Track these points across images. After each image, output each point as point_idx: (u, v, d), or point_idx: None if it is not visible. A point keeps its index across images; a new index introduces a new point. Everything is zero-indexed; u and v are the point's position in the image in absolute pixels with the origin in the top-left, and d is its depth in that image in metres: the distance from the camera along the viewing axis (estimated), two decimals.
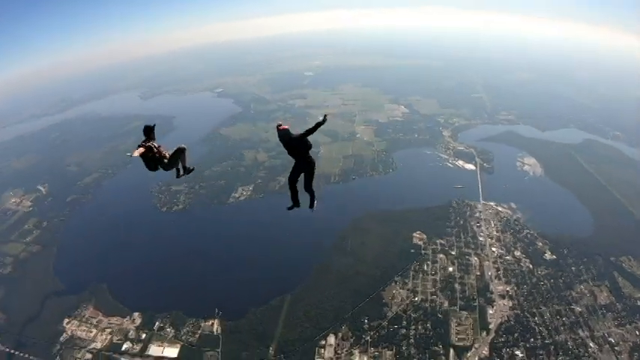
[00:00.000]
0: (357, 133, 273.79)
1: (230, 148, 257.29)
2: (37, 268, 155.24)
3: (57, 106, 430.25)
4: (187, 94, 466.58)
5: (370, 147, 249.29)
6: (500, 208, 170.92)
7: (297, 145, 22.04)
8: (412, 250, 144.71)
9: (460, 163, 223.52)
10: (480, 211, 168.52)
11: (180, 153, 23.69)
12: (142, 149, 20.45)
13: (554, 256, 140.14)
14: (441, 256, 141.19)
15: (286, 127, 21.78)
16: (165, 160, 22.59)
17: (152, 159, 21.84)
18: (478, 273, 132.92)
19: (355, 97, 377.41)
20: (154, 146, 21.49)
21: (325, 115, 21.11)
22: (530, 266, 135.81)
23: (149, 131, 21.44)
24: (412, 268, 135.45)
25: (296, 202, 25.33)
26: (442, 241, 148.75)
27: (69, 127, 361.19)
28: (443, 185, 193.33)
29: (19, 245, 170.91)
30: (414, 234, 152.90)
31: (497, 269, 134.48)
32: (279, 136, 21.71)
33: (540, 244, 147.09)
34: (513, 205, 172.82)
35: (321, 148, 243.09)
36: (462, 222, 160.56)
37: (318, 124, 20.91)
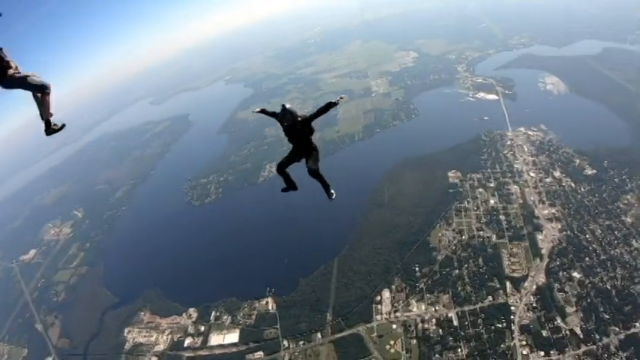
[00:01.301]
0: (372, 88, 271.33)
1: (251, 130, 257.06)
2: (88, 289, 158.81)
3: (75, 134, 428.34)
4: (197, 89, 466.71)
5: (388, 98, 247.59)
6: (530, 132, 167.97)
7: (300, 129, 17.33)
8: (450, 190, 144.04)
9: (481, 95, 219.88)
10: (511, 139, 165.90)
11: (37, 88, 15.18)
12: None
13: (595, 170, 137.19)
14: (480, 190, 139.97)
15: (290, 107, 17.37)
16: (11, 71, 14.05)
17: None
18: (521, 201, 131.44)
19: (362, 53, 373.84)
20: None
21: (341, 97, 18.22)
22: (572, 184, 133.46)
23: None
24: (453, 208, 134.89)
25: (292, 186, 20.40)
26: (478, 176, 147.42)
27: (90, 151, 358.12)
28: (468, 120, 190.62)
29: (67, 272, 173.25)
30: (449, 173, 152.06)
31: (539, 193, 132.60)
32: (281, 116, 17.32)
33: (578, 160, 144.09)
34: (543, 127, 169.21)
35: (338, 109, 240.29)
36: (494, 153, 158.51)
37: (331, 104, 16.69)
